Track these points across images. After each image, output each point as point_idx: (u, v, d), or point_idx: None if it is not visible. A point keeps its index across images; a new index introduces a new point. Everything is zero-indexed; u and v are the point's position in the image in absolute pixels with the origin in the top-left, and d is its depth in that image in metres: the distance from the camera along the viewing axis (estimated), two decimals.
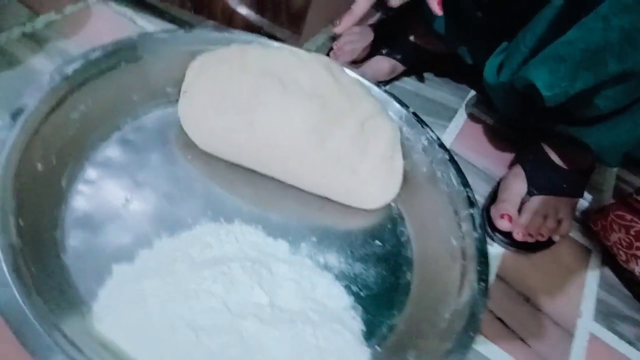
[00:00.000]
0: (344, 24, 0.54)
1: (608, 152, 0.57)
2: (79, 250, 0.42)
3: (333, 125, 0.51)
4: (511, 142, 0.72)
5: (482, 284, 0.45)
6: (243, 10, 0.58)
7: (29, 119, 0.42)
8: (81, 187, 0.46)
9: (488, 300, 0.44)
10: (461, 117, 0.73)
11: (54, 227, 0.42)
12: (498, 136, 0.72)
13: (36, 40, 0.57)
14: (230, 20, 0.60)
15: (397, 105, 0.58)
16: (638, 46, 0.44)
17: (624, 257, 0.59)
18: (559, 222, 0.60)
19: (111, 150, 0.50)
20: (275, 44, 0.57)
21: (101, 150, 0.49)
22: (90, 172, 0.47)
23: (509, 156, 0.70)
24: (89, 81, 0.48)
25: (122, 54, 0.51)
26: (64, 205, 0.44)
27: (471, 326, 0.41)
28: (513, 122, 0.72)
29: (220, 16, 0.59)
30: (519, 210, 0.60)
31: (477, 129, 0.72)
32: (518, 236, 0.57)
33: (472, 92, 0.77)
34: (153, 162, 0.51)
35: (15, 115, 0.42)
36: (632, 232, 0.58)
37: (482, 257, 0.47)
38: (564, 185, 0.62)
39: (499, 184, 0.66)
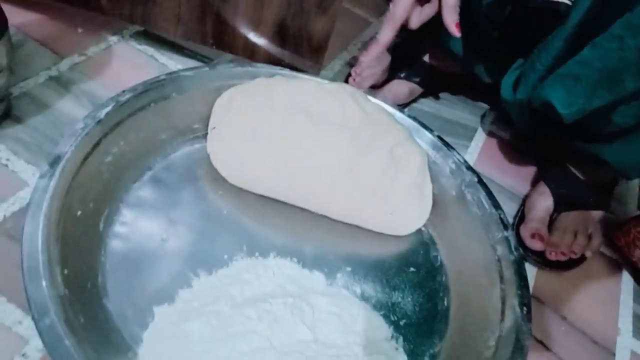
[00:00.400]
0: (371, 53, 0.55)
1: (627, 168, 0.57)
2: (121, 294, 0.42)
3: (363, 154, 0.51)
4: (533, 158, 0.72)
5: (525, 308, 0.44)
6: (265, 44, 0.59)
7: (67, 166, 0.43)
8: (118, 229, 0.46)
9: (531, 325, 0.43)
10: (481, 135, 0.73)
11: (95, 272, 0.42)
12: (519, 153, 0.72)
13: (62, 84, 0.58)
14: (251, 54, 0.60)
15: (422, 130, 0.58)
16: None
17: None
18: (589, 237, 0.59)
19: (144, 191, 0.50)
20: (299, 75, 0.58)
21: (134, 191, 0.49)
22: (126, 214, 0.47)
23: (532, 173, 0.70)
24: (121, 124, 0.48)
25: (151, 94, 0.51)
26: (103, 250, 0.44)
27: (518, 354, 0.41)
28: (533, 138, 0.72)
29: (242, 50, 0.60)
30: (549, 227, 0.60)
31: (498, 147, 0.72)
32: (551, 256, 0.57)
33: (489, 110, 0.77)
34: (185, 199, 0.51)
35: (53, 163, 0.42)
36: None
37: (522, 280, 0.47)
38: (590, 199, 0.62)
39: (524, 201, 0.66)
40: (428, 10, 0.53)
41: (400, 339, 0.46)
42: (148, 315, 0.41)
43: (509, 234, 0.50)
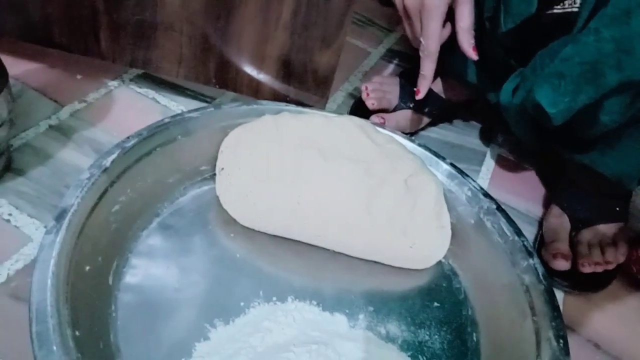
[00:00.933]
0: (423, 90, 0.57)
1: (622, 178, 0.56)
2: (135, 352, 0.40)
3: (378, 187, 0.49)
4: (545, 178, 0.71)
5: (562, 341, 0.42)
6: (269, 81, 0.58)
7: (73, 219, 0.41)
8: (128, 281, 0.44)
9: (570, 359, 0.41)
10: (491, 160, 0.72)
11: (107, 330, 0.40)
12: (531, 174, 0.71)
13: (63, 132, 0.57)
14: (256, 92, 0.59)
15: (434, 158, 0.57)
16: (634, 54, 0.44)
17: None
18: (615, 246, 0.57)
19: (153, 239, 0.48)
20: (305, 110, 0.57)
21: (143, 240, 0.47)
22: (136, 265, 0.45)
23: (546, 193, 0.69)
24: (127, 171, 0.47)
25: (156, 138, 0.50)
26: (114, 305, 0.42)
27: None
28: (536, 153, 0.71)
29: (246, 88, 0.59)
30: (570, 246, 0.58)
31: (509, 170, 0.71)
32: (585, 268, 0.55)
33: (497, 133, 0.76)
34: (196, 245, 0.49)
35: (59, 217, 0.40)
36: None
37: (554, 311, 0.44)
38: (606, 212, 0.61)
39: (541, 225, 0.64)
40: (444, 34, 0.54)
41: None
42: None
43: (535, 261, 0.48)
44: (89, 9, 0.55)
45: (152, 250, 0.47)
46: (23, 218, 0.48)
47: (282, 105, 0.57)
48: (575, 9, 0.50)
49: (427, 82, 0.56)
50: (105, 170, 0.45)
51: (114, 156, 0.46)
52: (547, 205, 0.67)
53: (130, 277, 0.44)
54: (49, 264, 0.37)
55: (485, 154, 0.72)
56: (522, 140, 0.66)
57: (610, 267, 0.56)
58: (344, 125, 0.53)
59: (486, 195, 0.54)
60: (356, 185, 0.49)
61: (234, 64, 0.57)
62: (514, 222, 0.52)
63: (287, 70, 0.57)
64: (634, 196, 0.70)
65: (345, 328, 0.46)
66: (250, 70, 0.58)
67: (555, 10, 0.52)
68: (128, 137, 0.48)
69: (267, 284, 0.47)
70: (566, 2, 0.51)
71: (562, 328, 0.43)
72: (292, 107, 0.57)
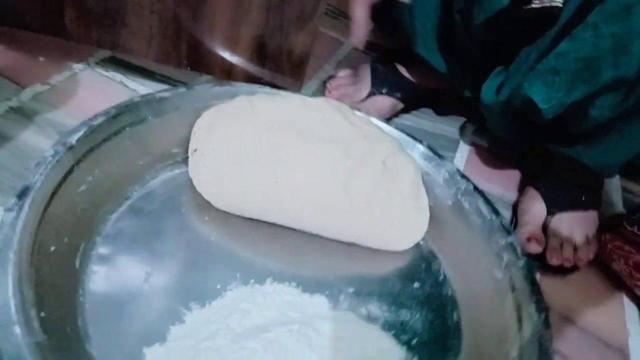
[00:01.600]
0: (356, 35, 0.55)
1: (604, 168, 0.58)
2: (105, 338, 0.37)
3: (355, 168, 0.49)
4: (519, 164, 0.72)
5: (543, 314, 0.42)
6: (243, 63, 0.57)
7: (37, 197, 0.38)
8: (96, 266, 0.42)
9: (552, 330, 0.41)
10: (464, 146, 0.72)
11: (75, 315, 0.37)
12: (505, 161, 0.72)
13: (24, 114, 0.54)
14: (229, 74, 0.58)
15: (411, 141, 0.57)
16: (631, 52, 0.44)
17: (629, 285, 0.58)
18: (587, 239, 0.58)
19: (123, 222, 0.45)
20: (281, 92, 0.56)
21: (112, 223, 0.45)
22: (104, 249, 0.43)
23: (519, 179, 0.70)
24: (94, 150, 0.45)
25: (125, 117, 0.48)
26: (81, 289, 0.39)
27: None
28: (514, 144, 0.72)
29: (219, 71, 0.58)
30: (543, 231, 0.59)
31: (483, 157, 0.72)
32: (553, 261, 0.55)
33: (468, 122, 0.77)
34: (169, 228, 0.47)
35: (21, 195, 0.38)
36: (630, 263, 0.57)
37: (534, 285, 0.45)
38: (582, 199, 0.61)
39: (515, 209, 0.64)
40: None
41: (416, 358, 0.43)
42: (138, 358, 0.37)
43: (513, 239, 0.48)
44: None
45: (122, 233, 0.45)
46: None
47: (256, 87, 0.55)
48: (558, 4, 0.50)
49: (358, 27, 0.54)
50: (71, 147, 0.42)
51: (79, 134, 0.43)
52: (521, 189, 0.67)
53: (99, 261, 0.42)
54: (11, 242, 0.35)
55: (459, 141, 0.73)
56: (501, 134, 0.66)
57: (580, 263, 0.56)
58: (320, 106, 0.52)
59: (463, 176, 0.54)
60: (333, 166, 0.48)
61: (207, 45, 0.56)
62: (490, 202, 0.52)
63: (262, 52, 0.56)
64: (605, 184, 0.72)
65: (326, 309, 0.44)
66: (223, 51, 0.56)
67: (533, 6, 0.52)
68: (95, 115, 0.46)
69: (244, 267, 0.45)
70: None
71: (542, 301, 0.43)
72: (267, 89, 0.56)
